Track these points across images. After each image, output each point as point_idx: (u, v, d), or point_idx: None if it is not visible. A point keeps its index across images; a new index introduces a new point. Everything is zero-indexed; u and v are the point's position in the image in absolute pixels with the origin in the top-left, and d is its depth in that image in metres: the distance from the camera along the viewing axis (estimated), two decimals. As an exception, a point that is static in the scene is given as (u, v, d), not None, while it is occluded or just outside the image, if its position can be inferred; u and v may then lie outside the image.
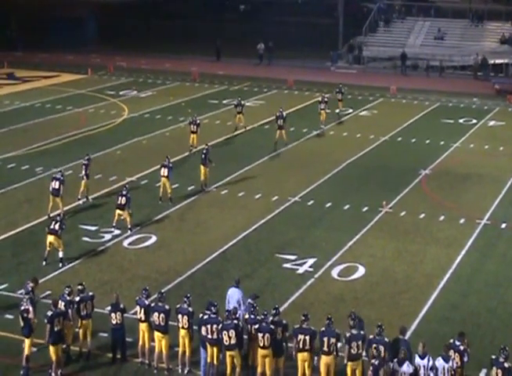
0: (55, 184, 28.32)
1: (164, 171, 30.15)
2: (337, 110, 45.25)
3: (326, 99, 43.05)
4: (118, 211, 27.26)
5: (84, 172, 30.03)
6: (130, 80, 56.74)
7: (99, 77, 57.70)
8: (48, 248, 24.51)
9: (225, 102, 49.51)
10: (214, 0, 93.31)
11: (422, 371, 16.98)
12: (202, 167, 31.78)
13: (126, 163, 35.63)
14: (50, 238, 24.38)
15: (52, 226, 24.43)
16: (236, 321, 18.06)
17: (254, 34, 71.24)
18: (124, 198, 27.19)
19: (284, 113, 38.74)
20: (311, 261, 25.27)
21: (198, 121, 37.61)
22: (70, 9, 77.99)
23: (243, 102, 41.79)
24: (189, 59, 64.99)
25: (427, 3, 74.78)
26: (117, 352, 19.17)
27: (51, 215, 27.89)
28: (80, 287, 19.37)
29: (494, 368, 16.60)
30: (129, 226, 27.35)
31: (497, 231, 28.31)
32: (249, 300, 19.23)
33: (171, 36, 75.04)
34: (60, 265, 24.44)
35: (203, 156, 31.81)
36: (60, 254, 24.50)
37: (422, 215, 29.51)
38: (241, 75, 58.81)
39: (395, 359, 17.11)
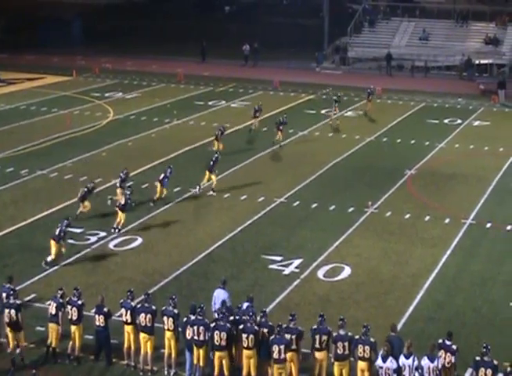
0: (82, 191, 28.55)
1: (160, 176, 30.20)
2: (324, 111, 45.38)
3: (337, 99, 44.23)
4: (120, 213, 27.36)
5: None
6: (115, 82, 56.63)
7: (85, 79, 57.55)
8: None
9: (210, 103, 49.52)
10: (199, 1, 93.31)
11: (407, 371, 17.02)
12: (207, 172, 31.35)
13: (111, 165, 35.50)
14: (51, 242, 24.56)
15: (55, 231, 24.65)
16: (229, 325, 18.06)
17: (240, 35, 71.23)
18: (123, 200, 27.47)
19: (286, 120, 38.95)
20: (297, 262, 25.28)
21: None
22: (55, 11, 77.91)
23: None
24: (174, 60, 64.97)
25: (411, 4, 74.94)
26: (101, 354, 19.14)
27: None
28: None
29: (482, 369, 16.64)
30: (119, 227, 27.34)
31: (482, 231, 28.41)
32: (247, 303, 19.21)
33: (156, 37, 74.87)
34: (43, 263, 24.46)
35: (211, 162, 31.40)
36: (48, 258, 24.51)
37: (407, 215, 29.58)
38: (227, 76, 58.80)
39: (379, 355, 17.19)
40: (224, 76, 58.96)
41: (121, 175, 30.03)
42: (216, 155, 32.02)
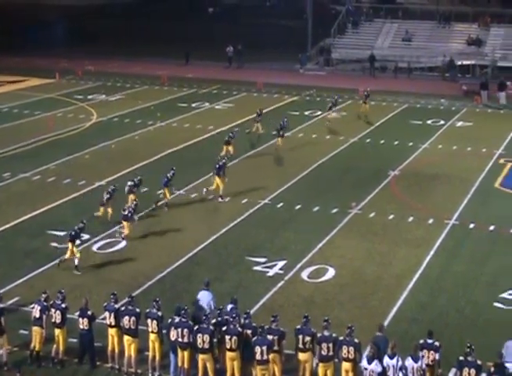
0: (106, 195, 28.32)
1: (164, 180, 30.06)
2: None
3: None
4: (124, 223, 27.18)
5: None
6: (98, 84, 56.53)
7: (67, 81, 57.41)
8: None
9: (194, 105, 49.52)
10: (182, 3, 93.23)
11: (391, 371, 17.06)
12: (216, 178, 30.93)
13: (95, 167, 35.47)
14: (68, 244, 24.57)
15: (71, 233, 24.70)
16: (212, 327, 18.05)
17: (223, 36, 71.18)
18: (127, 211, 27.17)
19: (286, 124, 38.89)
20: (281, 263, 25.29)
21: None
22: (38, 13, 77.67)
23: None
24: (157, 62, 64.89)
25: (394, 5, 75.19)
26: (85, 357, 19.10)
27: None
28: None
29: (466, 369, 16.70)
30: (122, 236, 27.13)
31: (465, 231, 28.51)
32: (230, 305, 19.21)
33: (139, 39, 74.77)
34: (58, 261, 24.55)
35: (217, 166, 30.95)
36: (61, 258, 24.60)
37: (391, 216, 29.65)
38: (210, 78, 58.78)
39: (364, 357, 17.24)
40: (207, 78, 58.95)
41: (135, 180, 29.56)
42: (224, 160, 31.61)
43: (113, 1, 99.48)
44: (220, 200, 30.97)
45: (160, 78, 57.45)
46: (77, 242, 24.84)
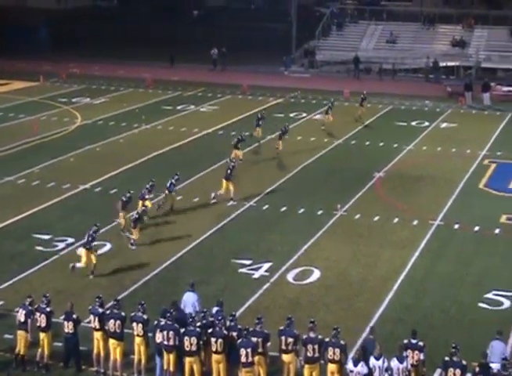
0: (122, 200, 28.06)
1: (167, 184, 29.92)
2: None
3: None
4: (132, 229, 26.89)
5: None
6: (82, 87, 56.36)
7: (52, 84, 57.22)
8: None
9: (179, 108, 49.49)
10: (167, 5, 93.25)
11: (377, 372, 17.09)
12: (224, 181, 30.84)
13: (80, 170, 35.37)
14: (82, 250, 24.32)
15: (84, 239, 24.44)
16: (198, 329, 18.03)
17: (208, 39, 71.24)
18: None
19: (287, 128, 38.73)
20: (266, 265, 25.30)
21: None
22: (21, 17, 77.43)
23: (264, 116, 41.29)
24: (142, 65, 64.73)
25: (379, 7, 75.37)
26: (70, 361, 19.04)
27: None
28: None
29: (451, 369, 16.75)
30: (131, 242, 26.84)
31: (450, 232, 28.59)
32: (216, 308, 19.22)
33: (124, 42, 74.72)
34: (70, 266, 24.13)
35: (228, 171, 30.93)
36: (77, 264, 24.22)
37: (376, 218, 29.70)
38: (195, 81, 58.74)
39: (350, 359, 17.28)
40: (192, 80, 58.91)
41: (147, 186, 29.24)
42: (232, 163, 31.53)
43: (98, 4, 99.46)
44: (231, 202, 30.85)
45: (144, 81, 57.34)
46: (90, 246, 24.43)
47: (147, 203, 28.54)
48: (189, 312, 19.33)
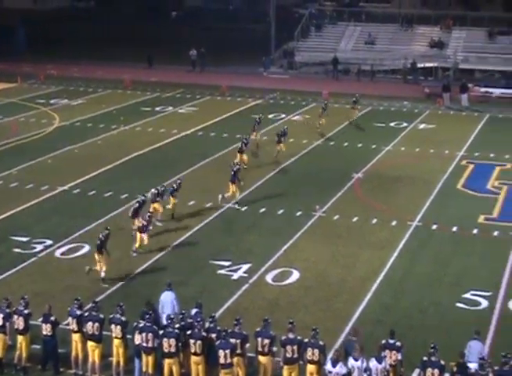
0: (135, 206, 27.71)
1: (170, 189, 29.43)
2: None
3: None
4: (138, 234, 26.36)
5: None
6: (60, 88, 56.13)
7: (29, 85, 56.96)
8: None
9: (157, 109, 49.39)
10: (145, 6, 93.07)
11: (356, 373, 17.14)
12: (230, 184, 30.59)
13: (58, 172, 35.22)
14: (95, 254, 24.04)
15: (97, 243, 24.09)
16: (177, 331, 18.02)
17: (187, 40, 71.18)
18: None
19: (286, 131, 38.41)
20: (245, 266, 25.30)
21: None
22: (-1, 18, 77.03)
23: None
24: (120, 66, 64.55)
25: (357, 8, 75.58)
26: (48, 363, 18.96)
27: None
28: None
29: (429, 369, 16.83)
30: (134, 248, 26.33)
31: (428, 232, 28.71)
32: (195, 309, 19.20)
33: (102, 43, 74.46)
34: (86, 268, 23.91)
35: (232, 173, 30.68)
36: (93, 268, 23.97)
37: (355, 219, 29.78)
38: (174, 82, 58.64)
39: (329, 360, 17.32)
40: (171, 81, 58.79)
41: (159, 188, 28.93)
42: (237, 166, 31.31)
43: (76, 5, 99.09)
44: (236, 207, 30.74)
45: (123, 82, 57.17)
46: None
47: (156, 206, 28.29)
48: (168, 314, 19.31)
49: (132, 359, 18.62)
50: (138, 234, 26.15)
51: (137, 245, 26.13)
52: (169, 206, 29.14)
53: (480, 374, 16.71)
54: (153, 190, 28.99)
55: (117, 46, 72.95)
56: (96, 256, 23.89)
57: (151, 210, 27.86)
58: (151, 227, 26.80)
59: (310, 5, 75.09)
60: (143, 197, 28.15)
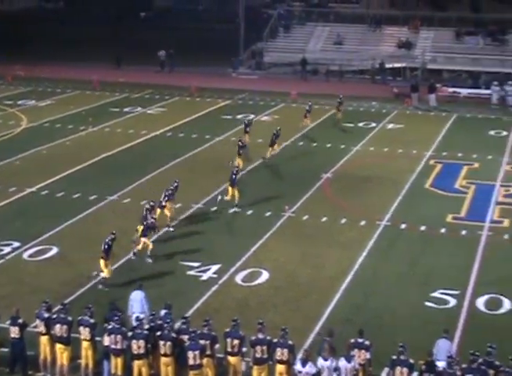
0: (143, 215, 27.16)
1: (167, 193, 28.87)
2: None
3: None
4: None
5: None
6: (28, 89, 55.73)
7: (-4, 86, 56.57)
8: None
9: (126, 110, 49.19)
10: (114, 6, 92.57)
11: (326, 373, 17.19)
12: (230, 188, 30.37)
13: (26, 173, 34.98)
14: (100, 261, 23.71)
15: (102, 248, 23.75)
16: (146, 332, 17.96)
17: (156, 40, 70.96)
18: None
19: (279, 132, 38.23)
20: (215, 267, 25.28)
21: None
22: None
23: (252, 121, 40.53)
24: (89, 67, 64.14)
25: (326, 9, 75.68)
26: (16, 366, 18.82)
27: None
28: None
29: (398, 368, 16.93)
30: (134, 251, 26.01)
31: (397, 232, 28.85)
32: (164, 311, 19.16)
33: (70, 44, 73.98)
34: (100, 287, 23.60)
35: (233, 176, 30.39)
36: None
37: (324, 219, 29.85)
38: (142, 83, 58.40)
39: (298, 360, 17.36)
40: (140, 82, 58.54)
41: (166, 193, 28.51)
42: (236, 169, 31.13)
43: (44, 6, 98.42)
44: (236, 209, 30.52)
45: (91, 83, 56.85)
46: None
47: (165, 210, 28.02)
48: (137, 315, 19.25)
49: (101, 362, 18.52)
50: (141, 238, 25.76)
51: (139, 247, 25.76)
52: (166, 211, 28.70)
53: (448, 372, 16.84)
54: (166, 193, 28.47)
55: (86, 47, 72.45)
56: (102, 262, 23.52)
57: (157, 214, 27.38)
58: (156, 230, 26.70)
59: (279, 6, 75.00)
60: (150, 204, 27.46)
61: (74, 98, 53.06)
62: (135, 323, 18.55)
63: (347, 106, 50.01)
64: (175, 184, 29.31)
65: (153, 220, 26.30)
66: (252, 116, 41.88)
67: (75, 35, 79.19)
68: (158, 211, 27.94)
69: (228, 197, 30.66)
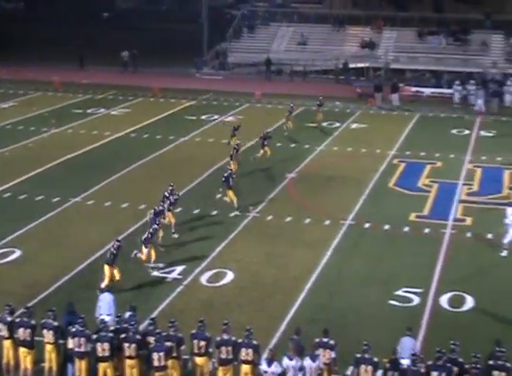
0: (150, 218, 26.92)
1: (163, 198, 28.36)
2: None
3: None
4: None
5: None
6: (-10, 91, 55.30)
7: (-43, 89, 55.98)
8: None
9: (89, 111, 48.92)
10: (76, 7, 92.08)
11: (291, 372, 17.22)
12: (229, 191, 30.12)
13: (-12, 176, 34.71)
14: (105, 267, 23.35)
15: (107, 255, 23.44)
16: (111, 334, 17.90)
17: (119, 41, 70.65)
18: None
19: (270, 134, 38.20)
20: (179, 268, 25.24)
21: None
22: None
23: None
24: (51, 67, 63.62)
25: (289, 9, 75.82)
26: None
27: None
28: None
29: (363, 366, 17.02)
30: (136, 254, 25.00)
31: (361, 231, 28.98)
32: (129, 313, 19.10)
33: (32, 44, 73.40)
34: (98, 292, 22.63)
35: (230, 178, 30.08)
36: (102, 285, 23.06)
37: (288, 219, 29.91)
38: (106, 83, 58.12)
39: (264, 360, 17.39)
40: (103, 83, 58.26)
41: (171, 198, 28.13)
42: (229, 171, 30.69)
43: (4, 6, 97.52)
44: (237, 213, 30.28)
45: (53, 84, 56.43)
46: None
47: (169, 216, 27.68)
48: (101, 318, 19.16)
49: (65, 365, 18.40)
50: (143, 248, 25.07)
51: (144, 258, 24.98)
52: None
53: (412, 369, 16.94)
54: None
55: (48, 47, 71.94)
56: (107, 270, 23.22)
57: (161, 221, 26.88)
58: (160, 237, 26.39)
59: (242, 6, 75.07)
60: (155, 209, 27.15)
61: (37, 99, 52.66)
62: (100, 326, 18.46)
63: (310, 106, 50.13)
64: (171, 188, 28.69)
65: (155, 226, 25.69)
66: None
67: (37, 36, 78.55)
68: (169, 215, 27.56)
69: (227, 199, 30.49)
